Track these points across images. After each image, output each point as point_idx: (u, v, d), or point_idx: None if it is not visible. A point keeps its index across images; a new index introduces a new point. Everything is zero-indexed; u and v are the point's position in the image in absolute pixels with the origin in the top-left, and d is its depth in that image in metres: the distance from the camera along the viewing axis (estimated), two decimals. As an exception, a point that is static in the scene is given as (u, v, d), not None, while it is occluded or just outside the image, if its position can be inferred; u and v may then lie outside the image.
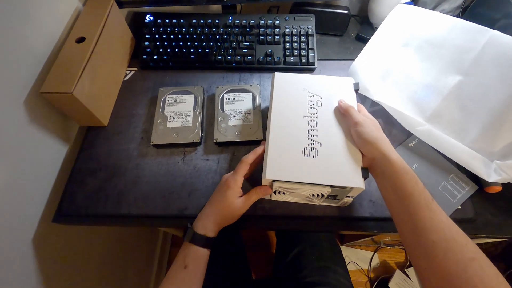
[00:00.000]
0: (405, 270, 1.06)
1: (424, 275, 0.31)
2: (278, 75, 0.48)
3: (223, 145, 0.51)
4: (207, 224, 0.40)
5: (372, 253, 1.10)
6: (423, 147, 0.51)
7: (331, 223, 0.46)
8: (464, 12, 0.62)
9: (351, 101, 0.44)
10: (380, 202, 0.46)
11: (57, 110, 0.50)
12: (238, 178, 0.41)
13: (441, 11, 0.71)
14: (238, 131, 0.51)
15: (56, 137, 0.51)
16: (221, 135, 0.50)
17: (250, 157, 0.42)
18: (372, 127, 0.39)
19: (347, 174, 0.38)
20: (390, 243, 1.07)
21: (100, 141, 0.52)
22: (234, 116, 0.52)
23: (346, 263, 1.09)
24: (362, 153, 0.40)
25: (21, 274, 0.44)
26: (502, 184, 0.46)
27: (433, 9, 0.71)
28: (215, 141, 0.50)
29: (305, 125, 0.42)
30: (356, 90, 0.46)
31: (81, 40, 0.49)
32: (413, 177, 0.35)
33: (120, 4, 0.59)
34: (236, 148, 0.51)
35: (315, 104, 0.44)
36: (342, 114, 0.43)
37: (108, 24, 0.53)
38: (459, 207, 0.46)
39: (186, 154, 0.51)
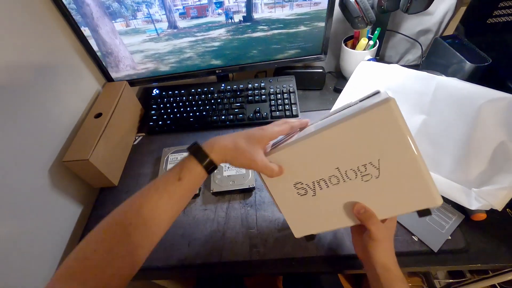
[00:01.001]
0: (435, 321, 0.96)
1: None
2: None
3: (220, 195, 0.56)
4: (216, 146, 0.35)
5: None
6: (406, 181, 0.54)
7: (325, 263, 0.47)
8: (423, 60, 0.71)
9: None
10: (369, 238, 0.48)
11: (74, 176, 0.57)
12: (274, 135, 0.38)
13: (406, 61, 0.82)
14: (232, 180, 0.56)
15: (72, 199, 0.57)
16: (217, 186, 0.55)
17: (293, 120, 0.40)
18: (379, 242, 0.37)
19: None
20: (411, 289, 0.99)
21: (111, 200, 0.58)
22: (228, 167, 0.58)
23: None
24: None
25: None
26: (487, 211, 0.47)
27: (398, 60, 0.82)
28: (212, 191, 0.55)
29: None
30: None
31: (98, 115, 0.59)
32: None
33: (132, 84, 0.71)
34: (232, 196, 0.56)
35: None
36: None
37: (121, 101, 0.64)
38: (449, 238, 0.47)
39: (187, 206, 0.55)
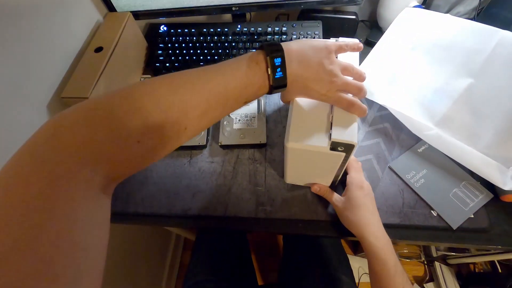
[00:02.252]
0: (424, 285, 1.00)
1: None
2: None
3: (228, 148, 0.53)
4: (294, 61, 0.32)
5: (388, 265, 1.05)
6: (433, 152, 0.49)
7: (333, 228, 0.45)
8: (479, 14, 0.60)
9: (354, 60, 0.39)
10: (383, 208, 0.45)
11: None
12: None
13: (456, 14, 0.69)
14: (242, 134, 0.52)
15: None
16: (225, 139, 0.52)
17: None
18: (347, 212, 0.40)
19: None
20: (407, 255, 1.02)
21: (114, 144, 0.56)
22: (239, 120, 0.54)
23: (360, 275, 1.05)
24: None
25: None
26: (520, 193, 0.43)
27: (447, 12, 0.69)
28: (220, 144, 0.51)
29: None
30: None
31: (99, 49, 0.53)
32: (384, 263, 0.37)
33: (136, 16, 0.63)
34: (241, 151, 0.52)
35: None
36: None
37: (124, 35, 0.57)
38: (472, 216, 0.43)
39: (192, 157, 0.53)
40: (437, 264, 1.01)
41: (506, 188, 0.41)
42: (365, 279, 1.05)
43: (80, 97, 0.47)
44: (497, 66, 0.42)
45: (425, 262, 1.05)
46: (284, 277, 0.63)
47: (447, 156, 0.47)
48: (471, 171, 0.46)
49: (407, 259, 1.04)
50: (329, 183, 0.44)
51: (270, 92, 0.33)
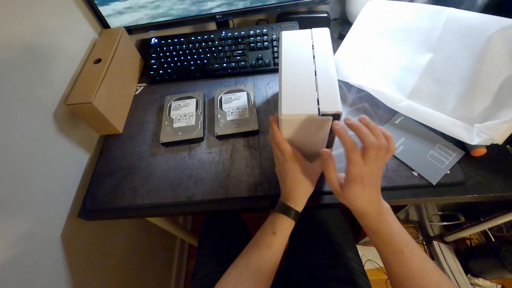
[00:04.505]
0: (426, 265, 1.03)
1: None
2: (284, 33, 0.48)
3: (224, 138, 0.57)
4: (297, 199, 0.42)
5: (390, 250, 1.08)
6: (408, 122, 0.54)
7: (328, 198, 0.49)
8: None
9: (328, 51, 0.44)
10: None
11: (79, 123, 0.58)
12: (284, 147, 0.42)
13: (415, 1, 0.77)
14: (236, 124, 0.56)
15: (79, 146, 0.58)
16: (220, 129, 0.56)
17: (272, 118, 0.43)
18: (353, 183, 0.37)
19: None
20: (406, 237, 1.05)
21: (117, 146, 0.59)
22: (231, 112, 0.58)
23: (363, 262, 1.07)
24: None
25: (51, 267, 0.50)
26: (487, 147, 0.48)
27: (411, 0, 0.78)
28: (216, 135, 0.56)
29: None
30: None
31: (98, 61, 0.58)
32: (384, 238, 0.38)
33: (129, 32, 0.69)
34: (236, 140, 0.57)
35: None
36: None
37: (120, 47, 0.62)
38: (448, 172, 0.48)
39: (192, 150, 0.57)
40: (435, 243, 1.04)
41: (473, 143, 0.46)
42: (368, 266, 1.08)
43: (84, 102, 0.51)
44: (449, 39, 0.48)
45: (424, 243, 1.09)
46: (289, 254, 0.65)
47: (420, 123, 0.53)
48: (443, 134, 0.51)
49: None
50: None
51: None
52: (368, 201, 0.37)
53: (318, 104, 0.38)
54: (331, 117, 0.37)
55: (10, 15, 0.45)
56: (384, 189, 0.48)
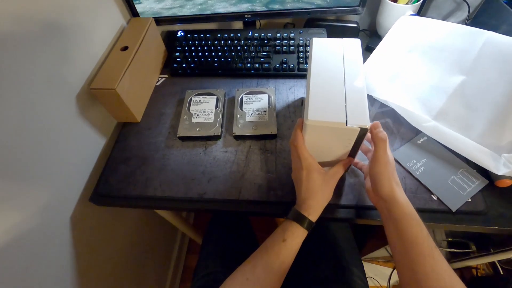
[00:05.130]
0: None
1: None
2: (316, 39, 0.47)
3: (241, 139, 0.56)
4: (311, 208, 0.41)
5: (391, 269, 1.06)
6: (432, 144, 0.53)
7: (338, 211, 0.48)
8: (468, 24, 0.66)
9: (358, 62, 0.43)
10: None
11: (99, 108, 0.58)
12: (303, 154, 0.42)
13: (448, 25, 0.75)
14: (254, 126, 0.56)
15: (97, 130, 0.58)
16: (239, 130, 0.56)
17: (298, 122, 0.42)
18: (384, 166, 0.39)
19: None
20: (410, 258, 1.03)
21: (133, 135, 0.60)
22: (251, 114, 0.58)
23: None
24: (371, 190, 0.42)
25: (59, 247, 0.50)
26: (513, 178, 0.46)
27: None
28: (233, 134, 0.55)
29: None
30: None
31: (125, 48, 0.58)
32: (419, 224, 0.36)
33: (157, 22, 0.69)
34: (253, 142, 0.56)
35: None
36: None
37: (147, 37, 0.62)
38: (469, 200, 0.46)
39: (207, 146, 0.56)
40: (439, 268, 1.01)
41: (499, 173, 0.45)
42: (369, 283, 1.05)
43: (107, 88, 0.51)
44: (486, 63, 0.47)
45: (428, 266, 1.06)
46: (295, 266, 0.64)
47: (444, 146, 0.51)
48: (467, 160, 0.49)
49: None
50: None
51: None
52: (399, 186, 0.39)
53: (346, 115, 0.37)
54: (359, 128, 0.36)
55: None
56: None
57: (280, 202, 0.49)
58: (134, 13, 0.67)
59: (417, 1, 0.63)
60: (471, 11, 0.68)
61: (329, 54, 0.45)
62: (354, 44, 0.46)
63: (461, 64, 0.50)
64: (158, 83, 0.69)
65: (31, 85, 0.43)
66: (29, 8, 0.42)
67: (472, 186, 0.48)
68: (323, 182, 0.42)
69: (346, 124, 0.36)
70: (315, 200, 0.41)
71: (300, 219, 0.41)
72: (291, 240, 0.41)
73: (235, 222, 0.69)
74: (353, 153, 0.43)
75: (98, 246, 0.61)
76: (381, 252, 1.03)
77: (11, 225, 0.40)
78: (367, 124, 0.36)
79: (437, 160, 0.51)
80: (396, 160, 0.52)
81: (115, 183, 0.53)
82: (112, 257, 0.67)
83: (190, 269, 1.16)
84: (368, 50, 0.72)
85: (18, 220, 0.42)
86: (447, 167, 0.50)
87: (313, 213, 0.42)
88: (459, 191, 0.47)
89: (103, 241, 0.62)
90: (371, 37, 0.75)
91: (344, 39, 0.47)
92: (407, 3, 0.64)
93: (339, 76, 0.41)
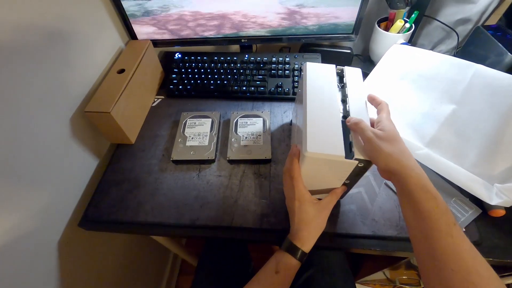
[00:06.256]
0: (425, 314, 0.98)
1: None
2: (309, 65, 0.48)
3: (235, 163, 0.56)
4: (304, 239, 0.41)
5: (388, 293, 1.03)
6: (424, 171, 0.53)
7: (332, 239, 0.47)
8: (458, 51, 0.68)
9: (361, 90, 0.44)
10: (381, 221, 0.48)
11: (93, 129, 0.58)
12: (298, 185, 0.41)
13: (439, 51, 0.78)
14: (249, 150, 0.56)
15: (90, 151, 0.58)
16: (233, 154, 0.55)
17: (294, 150, 0.41)
18: (384, 142, 0.35)
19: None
20: (406, 282, 1.01)
21: (127, 157, 0.59)
22: (246, 137, 0.58)
23: (359, 303, 1.02)
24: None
25: (44, 273, 0.48)
26: (506, 208, 0.46)
27: (431, 49, 0.79)
28: (228, 159, 0.55)
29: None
30: None
31: (121, 71, 0.59)
32: (434, 197, 0.32)
33: (155, 44, 0.70)
34: (247, 166, 0.56)
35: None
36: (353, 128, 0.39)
37: (144, 60, 0.63)
38: (463, 230, 0.46)
39: (201, 170, 0.56)
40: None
41: (492, 203, 0.45)
42: (365, 307, 1.02)
43: (103, 111, 0.51)
44: (475, 94, 0.48)
45: (425, 290, 1.04)
46: None
47: (437, 174, 0.52)
48: (460, 188, 0.50)
49: (406, 285, 1.02)
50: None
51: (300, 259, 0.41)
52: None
53: (351, 148, 0.37)
54: (356, 161, 0.36)
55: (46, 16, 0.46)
56: (394, 239, 0.47)
57: (274, 230, 0.48)
58: (132, 35, 0.68)
59: (408, 31, 0.65)
60: (460, 39, 0.70)
61: (323, 81, 0.45)
62: (356, 74, 0.47)
63: (451, 93, 0.51)
64: (154, 104, 0.69)
65: (24, 106, 0.43)
66: (27, 26, 0.43)
67: (466, 215, 0.48)
68: (316, 213, 0.41)
69: (350, 158, 0.36)
70: (308, 231, 0.41)
71: (293, 250, 0.40)
72: (284, 272, 0.40)
73: (231, 246, 0.68)
74: (350, 184, 0.43)
75: (86, 270, 0.59)
76: (378, 275, 1.01)
77: (-6, 254, 0.39)
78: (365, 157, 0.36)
79: (430, 188, 0.51)
80: (390, 187, 0.52)
81: (105, 208, 0.52)
82: (101, 280, 0.64)
83: (183, 291, 1.13)
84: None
85: (2, 243, 0.40)
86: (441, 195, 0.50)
87: (306, 243, 0.41)
88: (453, 220, 0.47)
89: (91, 264, 0.60)
90: (364, 62, 0.77)
91: (345, 67, 0.48)
92: (398, 32, 0.66)
93: (335, 104, 0.42)
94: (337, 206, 0.50)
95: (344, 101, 0.44)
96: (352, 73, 0.47)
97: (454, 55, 0.70)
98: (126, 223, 0.50)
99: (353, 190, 0.52)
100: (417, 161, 0.52)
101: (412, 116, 0.55)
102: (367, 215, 0.49)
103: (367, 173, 0.54)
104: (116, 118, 0.53)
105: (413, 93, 0.56)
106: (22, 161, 0.42)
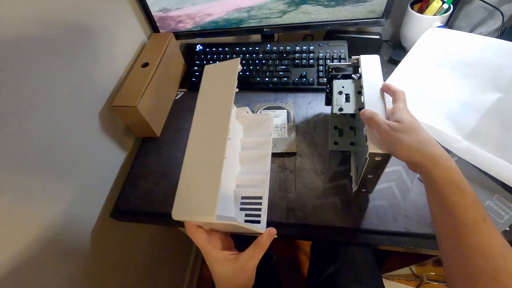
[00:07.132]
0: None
1: None
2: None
3: (259, 156, 0.55)
4: None
5: (414, 288, 1.00)
6: (463, 165, 0.49)
7: (364, 236, 0.46)
8: (503, 34, 0.62)
9: (378, 78, 0.42)
10: (414, 218, 0.45)
11: (121, 123, 0.59)
12: (196, 238, 0.35)
13: (479, 34, 0.71)
14: (273, 143, 0.55)
15: (118, 145, 0.59)
16: (257, 147, 0.55)
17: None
18: (401, 134, 0.33)
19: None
20: (434, 278, 0.97)
21: (152, 150, 0.60)
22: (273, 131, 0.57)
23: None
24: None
25: (80, 260, 0.51)
26: (558, 206, 0.42)
27: (470, 32, 0.72)
28: (252, 152, 0.54)
29: None
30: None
31: (145, 65, 0.59)
32: (460, 190, 0.29)
33: (177, 37, 0.70)
34: (272, 159, 0.55)
35: None
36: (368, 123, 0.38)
37: (167, 53, 0.63)
38: (508, 229, 0.43)
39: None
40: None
41: (541, 200, 0.41)
42: (390, 302, 1.01)
43: (129, 105, 0.52)
44: (526, 80, 0.43)
45: None
46: (312, 281, 0.62)
47: (478, 168, 0.48)
48: (504, 184, 0.46)
49: (434, 282, 0.99)
50: None
51: None
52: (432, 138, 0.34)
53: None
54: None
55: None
56: (428, 237, 0.44)
57: (300, 224, 0.47)
58: (154, 28, 0.68)
59: (446, 12, 0.60)
60: (505, 20, 0.64)
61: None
62: (373, 61, 0.45)
63: (496, 81, 0.47)
64: (177, 97, 0.69)
65: (56, 102, 0.44)
66: (54, 23, 0.43)
67: (510, 213, 0.44)
68: (233, 274, 0.34)
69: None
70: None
71: None
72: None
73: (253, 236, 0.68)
74: (374, 178, 0.41)
75: (115, 259, 0.62)
76: (404, 270, 0.98)
77: (36, 236, 0.41)
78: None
79: (469, 184, 0.47)
80: (422, 181, 0.49)
81: (134, 200, 0.53)
82: (128, 269, 0.67)
83: (205, 279, 1.16)
84: (391, 62, 0.69)
85: (44, 232, 0.42)
86: (481, 192, 0.46)
87: None
88: (496, 218, 0.44)
89: (119, 254, 0.63)
90: (394, 49, 0.72)
91: (361, 56, 0.46)
92: (434, 14, 0.61)
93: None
94: (366, 201, 0.48)
95: (359, 92, 0.42)
96: (369, 61, 0.44)
97: (499, 37, 0.63)
98: (153, 215, 0.52)
99: (382, 185, 0.50)
100: (456, 155, 0.49)
101: (449, 106, 0.51)
102: (399, 211, 0.47)
103: (398, 167, 0.52)
104: (142, 112, 0.53)
105: (451, 80, 0.52)
106: (57, 157, 0.44)
